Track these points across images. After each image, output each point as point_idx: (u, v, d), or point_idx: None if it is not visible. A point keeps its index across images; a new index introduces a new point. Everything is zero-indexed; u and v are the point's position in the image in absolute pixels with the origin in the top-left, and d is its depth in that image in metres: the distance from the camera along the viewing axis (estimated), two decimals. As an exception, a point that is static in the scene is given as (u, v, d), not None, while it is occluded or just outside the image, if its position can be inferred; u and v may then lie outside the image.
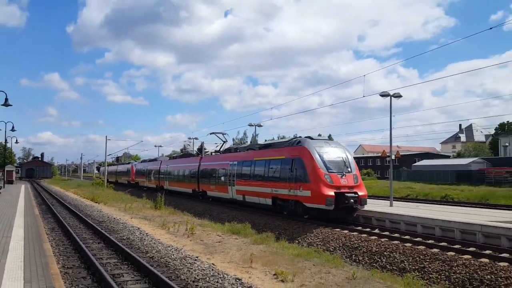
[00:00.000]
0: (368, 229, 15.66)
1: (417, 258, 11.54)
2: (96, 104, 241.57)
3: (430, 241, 13.17)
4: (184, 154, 50.62)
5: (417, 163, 65.21)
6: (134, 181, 52.25)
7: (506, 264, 10.24)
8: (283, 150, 19.72)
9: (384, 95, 20.25)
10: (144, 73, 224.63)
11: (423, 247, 12.42)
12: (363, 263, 12.45)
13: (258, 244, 12.74)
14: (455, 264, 10.66)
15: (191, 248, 12.08)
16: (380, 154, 34.67)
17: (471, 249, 11.94)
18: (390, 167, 22.82)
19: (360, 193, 16.72)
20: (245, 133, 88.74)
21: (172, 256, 10.58)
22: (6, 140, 47.09)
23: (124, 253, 10.88)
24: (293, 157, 18.18)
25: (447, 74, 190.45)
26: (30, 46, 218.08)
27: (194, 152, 51.82)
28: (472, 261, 10.62)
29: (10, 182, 60.97)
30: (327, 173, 16.63)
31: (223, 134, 32.94)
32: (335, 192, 16.22)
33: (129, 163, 64.59)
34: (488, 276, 9.75)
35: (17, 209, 21.18)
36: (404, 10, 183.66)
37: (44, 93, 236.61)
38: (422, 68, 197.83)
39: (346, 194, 16.26)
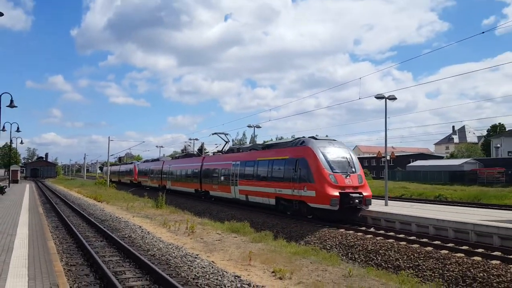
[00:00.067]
0: (363, 228, 15.86)
1: (412, 256, 11.75)
2: (99, 105, 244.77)
3: (424, 240, 13.39)
4: (187, 154, 50.47)
5: (411, 164, 65.64)
6: (137, 180, 52.41)
7: (498, 262, 10.45)
8: (287, 150, 19.65)
9: (379, 97, 20.53)
10: (146, 76, 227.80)
11: (418, 245, 12.64)
12: (359, 261, 12.66)
13: (256, 242, 12.93)
14: (449, 262, 10.85)
15: (192, 246, 12.27)
16: (375, 155, 34.96)
17: (464, 247, 12.16)
18: (385, 168, 23.10)
19: (364, 193, 16.61)
20: (244, 134, 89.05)
21: (173, 254, 10.75)
22: (11, 141, 47.56)
23: (126, 251, 11.08)
24: (297, 157, 18.11)
25: (440, 77, 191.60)
26: (35, 49, 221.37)
27: (195, 153, 51.83)
28: (465, 259, 10.82)
29: (15, 181, 61.33)
30: (332, 173, 16.55)
31: (225, 134, 32.89)
32: (339, 192, 16.13)
33: (131, 163, 64.64)
34: (481, 274, 9.94)
35: (21, 207, 21.41)
36: (398, 15, 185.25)
37: (49, 94, 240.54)
38: (416, 71, 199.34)
39: (351, 195, 16.17)
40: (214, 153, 35.35)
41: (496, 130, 74.30)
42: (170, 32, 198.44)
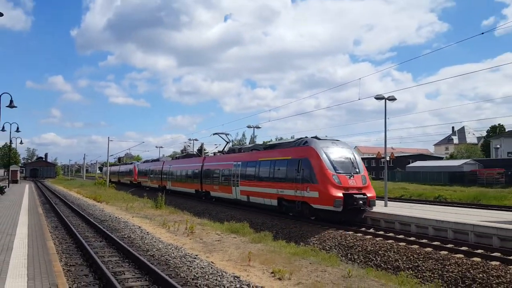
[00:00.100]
0: (363, 229, 15.86)
1: (411, 257, 11.77)
2: (98, 105, 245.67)
3: (423, 241, 13.39)
4: (187, 154, 50.37)
5: (411, 164, 65.65)
6: (137, 181, 52.36)
7: (497, 263, 10.46)
8: (289, 151, 19.43)
9: (379, 98, 20.54)
10: (146, 76, 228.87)
11: (417, 246, 12.66)
12: (359, 261, 12.67)
13: (256, 243, 12.94)
14: (448, 263, 10.87)
15: (191, 246, 12.28)
16: (375, 156, 34.97)
17: (464, 248, 12.17)
18: (385, 168, 23.11)
19: (368, 194, 16.44)
20: (243, 135, 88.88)
21: (172, 254, 10.76)
22: (11, 141, 47.58)
23: (125, 251, 11.08)
24: (299, 157, 17.90)
25: (440, 77, 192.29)
26: (35, 49, 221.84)
27: (194, 153, 51.81)
28: (465, 260, 10.83)
29: (15, 181, 61.40)
30: (335, 174, 16.33)
31: (226, 134, 32.65)
32: (343, 193, 15.94)
33: (131, 163, 64.59)
34: (480, 275, 9.96)
35: (21, 207, 21.42)
36: (398, 16, 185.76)
37: (48, 95, 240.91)
38: (416, 71, 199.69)
39: (354, 196, 15.97)
40: (214, 153, 35.18)
41: (496, 131, 74.33)
42: (170, 32, 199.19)
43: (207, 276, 8.58)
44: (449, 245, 12.65)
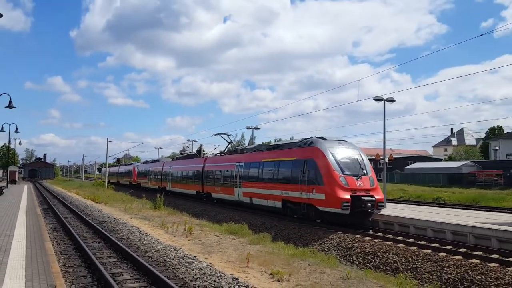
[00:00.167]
0: (362, 230, 15.87)
1: (410, 259, 11.77)
2: (97, 106, 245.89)
3: (422, 242, 13.39)
4: (188, 155, 49.96)
5: (409, 166, 65.72)
6: (136, 182, 52.05)
7: (496, 265, 10.47)
8: (294, 151, 18.94)
9: (378, 99, 20.58)
10: (145, 77, 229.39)
11: (416, 248, 12.65)
12: (357, 263, 12.66)
13: (254, 244, 12.93)
14: (447, 265, 10.87)
15: (189, 247, 12.26)
16: (374, 157, 34.94)
17: (462, 250, 12.18)
18: (383, 170, 23.15)
19: (377, 197, 16.00)
20: (242, 136, 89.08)
21: (171, 256, 10.74)
22: (9, 141, 47.51)
23: (123, 252, 11.06)
24: (305, 158, 17.43)
25: (439, 79, 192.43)
26: (34, 50, 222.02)
27: (195, 154, 51.63)
28: (463, 262, 10.84)
29: (13, 182, 61.28)
30: (342, 175, 15.91)
31: (228, 135, 32.18)
32: (351, 195, 15.51)
33: (131, 164, 64.46)
34: (479, 277, 9.96)
35: (19, 208, 21.42)
36: (397, 17, 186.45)
37: (47, 95, 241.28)
38: (415, 73, 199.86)
39: (362, 198, 15.55)
40: (216, 154, 34.91)
41: (495, 133, 74.49)
42: (169, 33, 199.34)
43: (205, 277, 8.57)
44: (447, 247, 12.66)
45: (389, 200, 26.28)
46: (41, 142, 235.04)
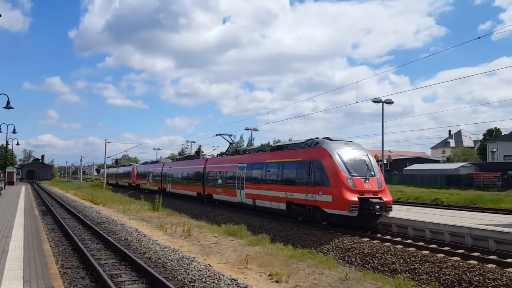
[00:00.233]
0: (360, 231, 15.89)
1: (408, 260, 11.77)
2: (96, 107, 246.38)
3: (420, 243, 13.39)
4: (188, 156, 49.59)
5: (408, 167, 65.92)
6: (135, 183, 51.68)
7: (493, 266, 10.47)
8: (299, 152, 18.46)
9: (376, 101, 20.69)
10: (144, 78, 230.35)
11: (414, 249, 12.65)
12: (356, 264, 12.66)
13: (253, 245, 12.93)
14: (445, 266, 10.88)
15: (188, 249, 12.26)
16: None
17: (460, 251, 12.18)
18: (382, 171, 23.18)
19: (385, 199, 15.68)
20: (241, 137, 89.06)
21: (169, 257, 10.73)
22: (7, 142, 47.23)
23: (122, 253, 11.05)
24: (310, 159, 17.01)
25: (437, 81, 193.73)
26: (32, 50, 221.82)
27: (195, 155, 51.48)
28: (461, 263, 10.84)
29: (11, 183, 61.16)
30: (349, 176, 15.53)
31: (229, 135, 31.88)
32: (358, 197, 15.18)
33: (130, 165, 64.07)
34: (477, 278, 9.97)
35: (17, 209, 21.37)
36: (396, 19, 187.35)
37: (46, 96, 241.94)
38: (413, 75, 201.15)
39: (370, 200, 15.24)
40: (218, 155, 34.69)
41: (492, 135, 74.72)
42: (168, 34, 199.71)
43: (204, 279, 8.58)
44: (445, 248, 12.67)
45: (388, 202, 26.26)
46: (39, 143, 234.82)
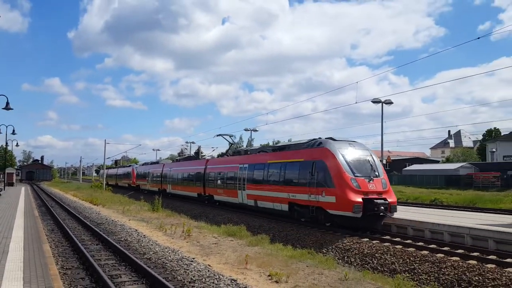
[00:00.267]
0: (359, 232, 15.90)
1: (407, 260, 11.79)
2: (95, 108, 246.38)
3: (420, 243, 13.42)
4: (189, 156, 49.28)
5: (407, 168, 65.97)
6: (135, 184, 51.47)
7: (493, 265, 10.49)
8: (302, 152, 18.23)
9: (376, 101, 20.71)
10: (143, 79, 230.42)
11: (413, 249, 12.67)
12: (355, 264, 12.67)
13: (253, 246, 12.95)
14: (444, 266, 10.89)
15: (188, 249, 12.27)
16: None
17: (460, 251, 12.20)
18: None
19: (390, 200, 15.42)
20: (241, 138, 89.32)
21: (169, 258, 10.75)
22: (6, 143, 47.37)
23: (122, 254, 11.06)
24: (314, 159, 16.78)
25: (436, 81, 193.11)
26: (31, 51, 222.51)
27: (196, 155, 51.31)
28: (461, 263, 10.86)
29: (11, 184, 61.14)
30: (353, 177, 15.29)
31: (230, 136, 31.59)
32: (362, 198, 14.94)
33: (129, 166, 63.79)
34: (476, 278, 9.98)
35: (17, 210, 21.36)
36: (395, 20, 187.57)
37: (45, 97, 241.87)
38: (412, 75, 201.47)
39: (375, 201, 14.99)
40: (218, 155, 34.57)
41: (492, 135, 74.85)
42: (167, 35, 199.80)
43: (204, 279, 8.59)
44: (445, 248, 12.69)
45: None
46: (38, 144, 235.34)
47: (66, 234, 14.80)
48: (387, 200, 15.34)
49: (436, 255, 11.80)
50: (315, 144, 17.89)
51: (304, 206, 17.38)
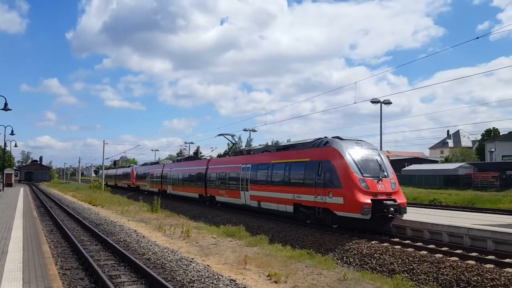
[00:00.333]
0: (359, 232, 15.89)
1: (406, 260, 11.81)
2: (94, 108, 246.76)
3: (418, 244, 13.43)
4: (189, 156, 48.80)
5: (406, 168, 65.97)
6: (135, 185, 51.05)
7: (492, 266, 10.52)
8: (307, 152, 17.75)
9: (374, 101, 20.74)
10: (142, 79, 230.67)
11: (412, 249, 12.70)
12: (354, 264, 12.69)
13: (252, 246, 12.96)
14: (443, 266, 10.91)
15: (187, 250, 12.28)
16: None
17: (458, 251, 12.23)
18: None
19: (399, 201, 14.93)
20: (239, 138, 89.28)
21: (168, 258, 10.76)
22: (5, 144, 47.41)
23: (121, 255, 11.07)
24: (320, 159, 16.31)
25: (435, 81, 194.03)
26: (30, 52, 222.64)
27: (197, 156, 51.17)
28: (459, 263, 10.89)
29: (9, 185, 60.99)
30: (362, 177, 14.81)
31: (232, 135, 31.25)
32: (371, 199, 14.50)
33: (129, 166, 63.46)
34: (475, 278, 10.01)
35: (16, 211, 21.32)
36: (394, 20, 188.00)
37: (43, 98, 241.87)
38: (411, 75, 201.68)
39: (384, 202, 14.52)
40: (218, 155, 34.37)
41: (491, 135, 74.94)
42: (166, 35, 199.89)
43: (203, 279, 8.61)
44: (444, 248, 12.71)
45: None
46: (37, 145, 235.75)
47: (65, 235, 14.81)
48: (397, 202, 14.86)
49: (435, 255, 11.82)
50: (322, 144, 17.41)
51: (310, 207, 16.98)
